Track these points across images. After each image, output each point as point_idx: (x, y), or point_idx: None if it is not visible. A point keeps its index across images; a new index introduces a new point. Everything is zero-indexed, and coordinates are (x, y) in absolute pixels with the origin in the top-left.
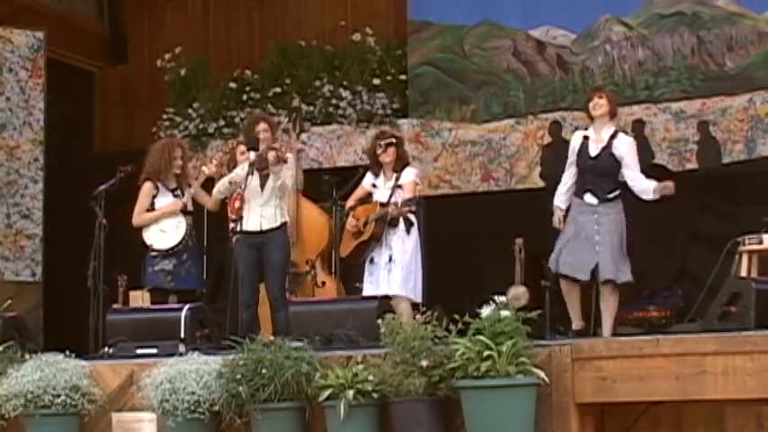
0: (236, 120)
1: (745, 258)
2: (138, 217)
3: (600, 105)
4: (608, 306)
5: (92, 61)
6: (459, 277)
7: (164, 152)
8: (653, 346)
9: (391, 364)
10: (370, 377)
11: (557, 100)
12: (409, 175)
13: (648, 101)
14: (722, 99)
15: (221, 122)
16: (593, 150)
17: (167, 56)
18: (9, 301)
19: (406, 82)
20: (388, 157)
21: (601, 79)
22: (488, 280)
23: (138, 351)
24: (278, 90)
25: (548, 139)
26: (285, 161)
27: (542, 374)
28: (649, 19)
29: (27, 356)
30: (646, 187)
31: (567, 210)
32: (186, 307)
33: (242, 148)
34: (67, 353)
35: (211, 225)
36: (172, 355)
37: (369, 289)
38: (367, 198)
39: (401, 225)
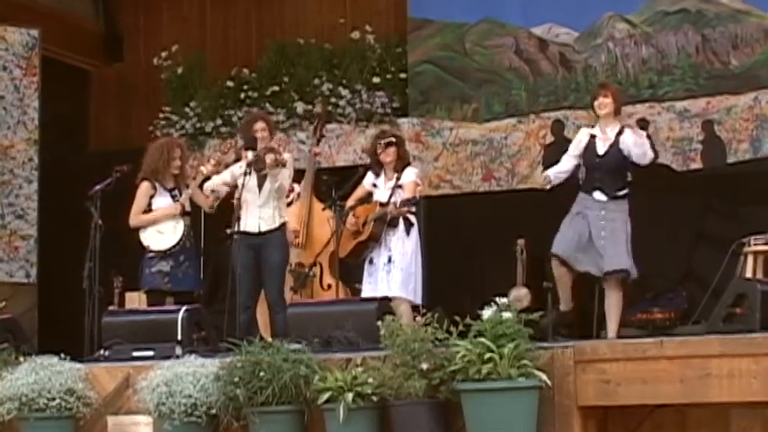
0: (234, 119)
1: (750, 259)
2: (135, 218)
3: (605, 105)
4: (613, 306)
5: (87, 59)
6: (459, 279)
7: (162, 152)
8: (657, 349)
9: (391, 366)
10: (370, 380)
11: (559, 99)
12: (410, 175)
13: (652, 100)
14: (727, 98)
15: (219, 121)
16: (601, 149)
17: (164, 54)
18: (3, 303)
19: (407, 80)
20: (388, 156)
21: (604, 78)
22: (489, 281)
23: (135, 353)
24: (276, 89)
25: (550, 139)
26: (284, 165)
27: (544, 377)
28: (653, 16)
29: (21, 359)
30: (649, 153)
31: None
32: (183, 309)
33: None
34: (62, 355)
35: (209, 226)
36: (168, 357)
37: (368, 290)
38: (367, 198)
39: (401, 225)
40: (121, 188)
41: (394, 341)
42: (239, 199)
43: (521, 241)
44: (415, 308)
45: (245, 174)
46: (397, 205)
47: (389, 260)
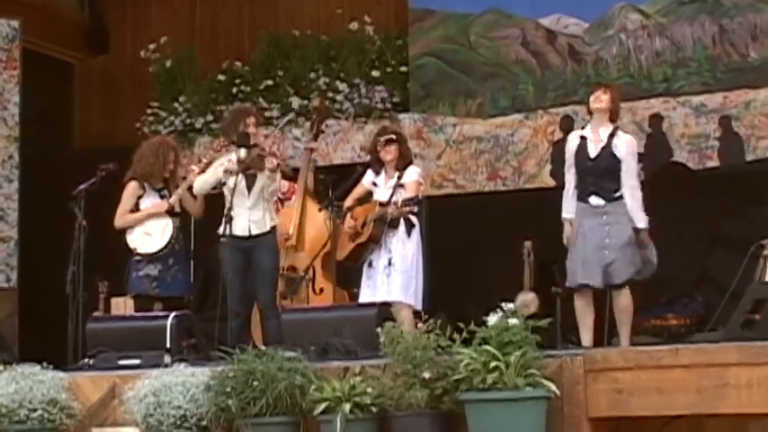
0: (226, 115)
1: None
2: (121, 218)
3: (601, 99)
4: (623, 312)
5: (71, 52)
6: (463, 283)
7: (158, 155)
8: (672, 357)
9: (391, 375)
10: (369, 390)
11: (568, 93)
12: (412, 174)
13: (667, 94)
14: (746, 92)
15: (209, 117)
16: (593, 151)
17: (152, 46)
18: None
19: (407, 74)
20: (389, 155)
21: (616, 71)
22: (495, 286)
23: (121, 362)
24: (270, 83)
25: (558, 135)
26: (284, 171)
27: (553, 387)
28: (667, 6)
29: (1, 368)
30: (640, 215)
31: None
32: (172, 315)
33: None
34: (45, 364)
35: (199, 227)
36: (157, 366)
37: (366, 294)
38: (366, 198)
39: (402, 227)
40: (107, 188)
41: (394, 349)
42: (231, 205)
43: (528, 243)
44: (416, 313)
45: (237, 173)
46: (399, 205)
47: (389, 263)
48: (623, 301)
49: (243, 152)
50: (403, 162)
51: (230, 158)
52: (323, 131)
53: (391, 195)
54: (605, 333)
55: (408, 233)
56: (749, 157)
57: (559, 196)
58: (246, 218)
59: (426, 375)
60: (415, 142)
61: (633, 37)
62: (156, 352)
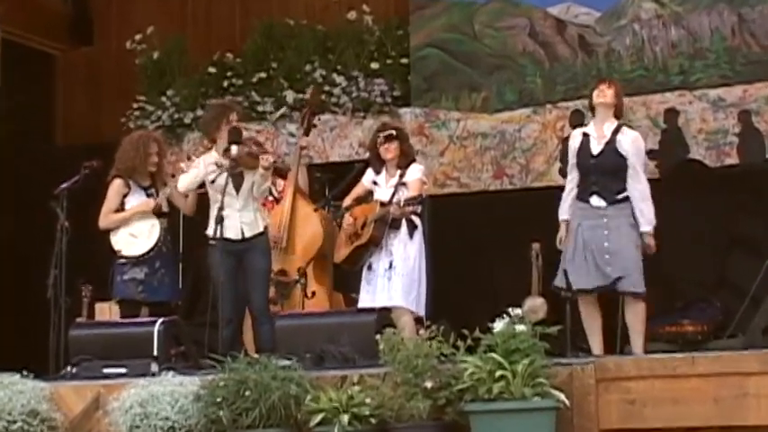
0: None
1: None
2: (106, 218)
3: (605, 94)
4: (635, 319)
5: (53, 43)
6: (468, 287)
7: (138, 148)
8: (688, 365)
9: (391, 385)
10: (368, 400)
11: (578, 86)
12: (415, 172)
13: (683, 87)
14: (766, 85)
15: (199, 112)
16: (596, 148)
17: (138, 37)
18: None
19: (408, 66)
20: (389, 152)
21: (629, 63)
22: (501, 290)
23: (105, 371)
24: (263, 75)
25: (568, 131)
26: (279, 169)
27: (562, 397)
28: None
29: None
30: (650, 217)
31: None
32: (159, 321)
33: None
34: (25, 373)
35: (188, 229)
36: (143, 375)
37: (366, 299)
38: (366, 197)
39: (403, 228)
40: (91, 186)
41: (394, 357)
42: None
43: (536, 245)
44: (418, 319)
45: (227, 171)
46: (401, 205)
47: (390, 266)
48: (636, 307)
49: (234, 149)
50: (405, 160)
51: (213, 158)
52: (315, 126)
53: (393, 194)
54: (618, 340)
55: (410, 234)
56: None
57: None
58: (238, 219)
59: (428, 385)
60: (416, 138)
61: (647, 27)
62: (142, 360)
